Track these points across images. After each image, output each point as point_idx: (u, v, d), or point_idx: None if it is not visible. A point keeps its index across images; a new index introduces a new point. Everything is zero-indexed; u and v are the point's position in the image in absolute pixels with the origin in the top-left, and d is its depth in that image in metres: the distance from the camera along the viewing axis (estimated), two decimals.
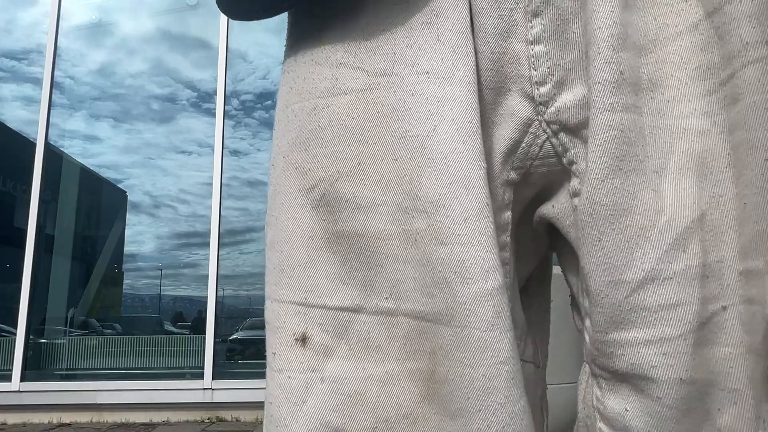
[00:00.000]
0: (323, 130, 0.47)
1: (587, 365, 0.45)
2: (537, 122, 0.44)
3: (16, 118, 5.40)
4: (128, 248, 5.49)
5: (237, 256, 4.92)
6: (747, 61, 0.38)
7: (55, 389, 4.24)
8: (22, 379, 4.23)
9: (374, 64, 0.45)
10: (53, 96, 4.70)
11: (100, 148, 5.45)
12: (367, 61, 0.46)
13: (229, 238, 4.60)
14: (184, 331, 5.40)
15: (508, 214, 0.47)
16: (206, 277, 4.33)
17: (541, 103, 0.44)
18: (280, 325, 0.47)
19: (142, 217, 5.51)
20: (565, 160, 0.44)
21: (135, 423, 4.07)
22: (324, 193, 0.46)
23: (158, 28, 5.46)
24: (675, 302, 0.39)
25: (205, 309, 4.31)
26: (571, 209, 0.45)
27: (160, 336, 5.23)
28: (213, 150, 4.57)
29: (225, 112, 4.62)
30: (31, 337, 4.42)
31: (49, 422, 4.08)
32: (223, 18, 4.63)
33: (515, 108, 0.45)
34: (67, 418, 4.11)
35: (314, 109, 0.47)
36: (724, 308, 0.39)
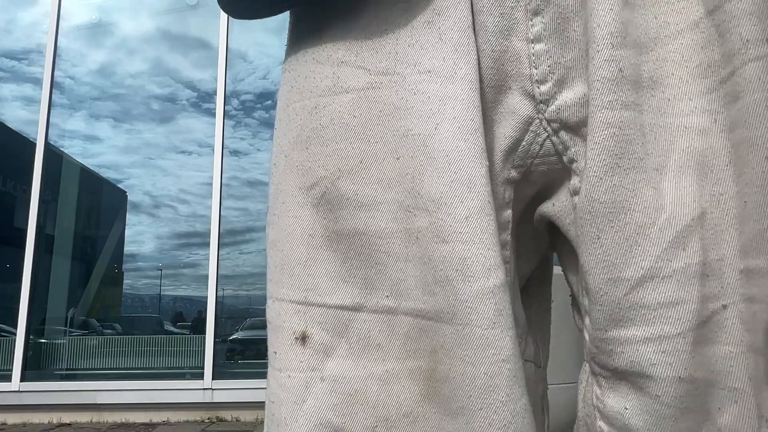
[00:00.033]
0: (324, 129, 0.47)
1: (587, 364, 0.45)
2: (537, 120, 0.44)
3: (16, 118, 5.40)
4: (128, 248, 5.50)
5: (237, 256, 4.93)
6: (747, 58, 0.38)
7: (55, 389, 4.24)
8: (22, 379, 4.22)
9: (376, 63, 0.46)
10: (53, 96, 4.70)
11: (100, 148, 5.45)
12: (368, 60, 0.46)
13: (229, 238, 4.61)
14: (184, 331, 5.40)
15: (508, 213, 0.47)
16: (206, 277, 4.33)
17: (541, 102, 0.44)
18: (281, 324, 0.47)
19: (142, 217, 5.52)
20: (565, 159, 0.44)
21: (135, 423, 4.07)
22: (325, 192, 0.46)
23: (158, 28, 5.46)
24: (674, 300, 0.39)
25: (205, 309, 4.31)
26: (571, 207, 0.45)
27: (160, 336, 5.23)
28: (213, 150, 4.57)
29: (225, 112, 4.62)
30: (31, 337, 4.42)
31: (49, 422, 4.08)
32: (223, 18, 4.63)
33: (516, 106, 0.45)
34: (67, 418, 4.10)
35: (315, 107, 0.47)
36: (725, 307, 0.39)
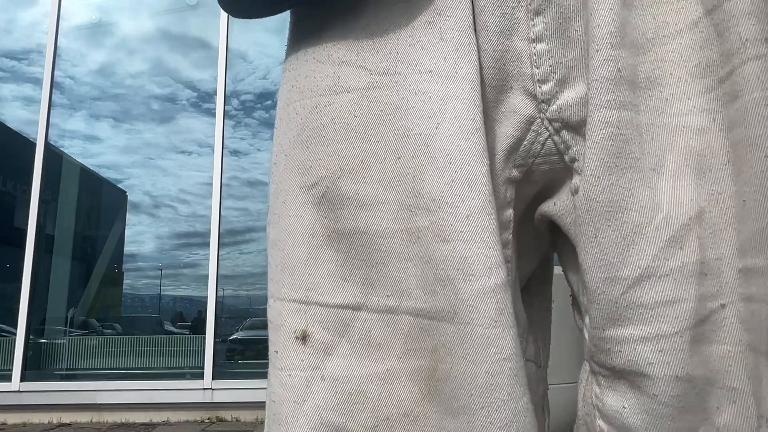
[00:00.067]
0: (325, 128, 0.47)
1: (587, 363, 0.45)
2: (539, 120, 0.44)
3: (16, 118, 5.40)
4: (128, 248, 5.49)
5: (237, 256, 4.92)
6: (746, 58, 0.38)
7: (55, 389, 4.24)
8: (22, 379, 4.22)
9: (377, 63, 0.46)
10: (53, 96, 4.70)
11: (100, 148, 5.45)
12: (369, 60, 0.46)
13: (229, 238, 4.60)
14: (184, 331, 5.40)
15: (510, 212, 0.47)
16: (206, 277, 4.33)
17: (543, 101, 0.44)
18: (282, 323, 0.47)
19: (142, 217, 5.51)
20: (567, 158, 0.45)
21: (135, 423, 4.07)
22: (326, 191, 0.46)
23: (158, 28, 5.46)
24: (671, 299, 0.39)
25: (205, 309, 4.30)
26: (572, 207, 0.45)
27: (160, 336, 5.22)
28: (213, 150, 4.57)
29: (225, 112, 4.62)
30: (31, 337, 4.42)
31: (49, 422, 4.08)
32: (223, 18, 4.63)
33: (517, 106, 0.45)
34: (67, 418, 4.10)
35: (316, 107, 0.47)
36: (723, 306, 0.39)
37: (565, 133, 0.44)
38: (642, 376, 0.40)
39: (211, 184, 4.51)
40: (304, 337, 0.46)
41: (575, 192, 0.44)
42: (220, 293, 4.35)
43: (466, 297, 0.41)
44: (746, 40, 0.38)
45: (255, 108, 5.33)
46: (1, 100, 5.45)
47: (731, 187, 0.39)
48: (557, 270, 0.56)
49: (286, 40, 0.53)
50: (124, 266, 5.47)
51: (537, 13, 0.44)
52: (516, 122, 0.45)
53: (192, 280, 5.21)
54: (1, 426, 4.01)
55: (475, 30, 0.44)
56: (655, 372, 0.39)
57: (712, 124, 0.40)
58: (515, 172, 0.46)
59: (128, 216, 5.46)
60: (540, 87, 0.44)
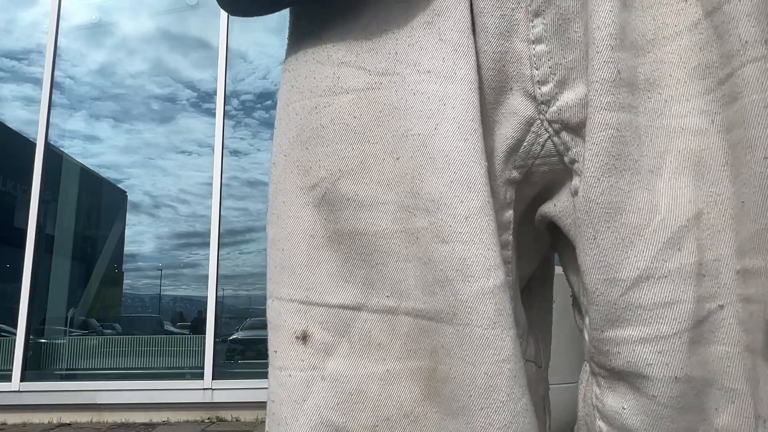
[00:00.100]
0: (324, 129, 0.47)
1: (587, 364, 0.45)
2: (539, 121, 0.44)
3: (16, 118, 5.40)
4: (128, 248, 5.50)
5: (237, 256, 4.93)
6: (746, 59, 0.38)
7: (55, 389, 4.24)
8: (22, 379, 4.22)
9: (376, 63, 0.46)
10: (53, 96, 4.70)
11: (100, 148, 5.45)
12: (368, 60, 0.46)
13: (229, 238, 4.60)
14: (184, 331, 5.40)
15: (510, 213, 0.47)
16: (206, 277, 4.33)
17: (542, 102, 0.44)
18: (281, 323, 0.47)
19: (142, 217, 5.51)
20: (566, 159, 0.45)
21: (135, 423, 4.07)
22: (325, 192, 0.46)
23: (158, 28, 5.46)
24: (670, 300, 0.39)
25: (205, 309, 4.31)
26: (572, 208, 0.45)
27: (160, 336, 5.22)
28: (213, 150, 4.57)
29: (225, 112, 4.62)
30: (31, 337, 4.42)
31: (49, 422, 4.08)
32: (223, 18, 4.63)
33: (517, 107, 0.45)
34: (67, 418, 4.10)
35: (315, 107, 0.47)
36: (722, 307, 0.39)
37: (564, 135, 0.44)
38: (641, 377, 0.40)
39: (211, 184, 4.51)
40: (304, 338, 0.46)
41: (575, 193, 0.44)
42: (220, 293, 4.35)
43: (464, 298, 0.41)
44: (746, 42, 0.38)
45: (255, 108, 5.33)
46: (1, 100, 5.45)
47: (730, 188, 0.39)
48: (558, 270, 0.56)
49: (286, 40, 0.53)
50: (124, 266, 5.47)
51: (536, 15, 0.44)
52: (516, 123, 0.45)
53: (192, 280, 5.21)
54: (1, 426, 4.01)
55: (474, 31, 0.44)
56: (654, 373, 0.39)
57: (711, 125, 0.40)
58: (515, 173, 0.46)
59: (128, 216, 5.46)
60: (539, 88, 0.44)
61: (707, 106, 0.40)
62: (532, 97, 0.44)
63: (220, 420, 4.06)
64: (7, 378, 4.22)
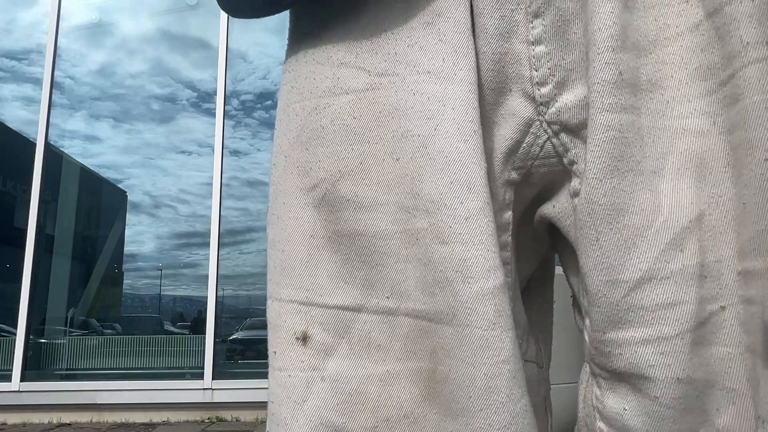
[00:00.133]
0: (324, 130, 0.47)
1: (588, 365, 0.45)
2: (538, 122, 0.44)
3: (16, 118, 5.40)
4: (128, 248, 5.50)
5: (237, 256, 4.93)
6: (747, 61, 0.38)
7: (55, 389, 4.24)
8: (22, 379, 4.22)
9: (375, 64, 0.46)
10: (53, 96, 4.70)
11: (100, 148, 5.45)
12: (368, 61, 0.46)
13: (229, 238, 4.60)
14: (184, 331, 5.40)
15: (509, 214, 0.47)
16: (206, 277, 4.33)
17: (542, 104, 0.44)
18: (281, 324, 0.47)
19: (142, 217, 5.51)
20: (565, 161, 0.44)
21: (135, 423, 4.07)
22: (325, 193, 0.46)
23: (158, 28, 5.46)
24: (672, 302, 0.39)
25: (205, 309, 4.31)
26: (571, 209, 0.45)
27: (160, 336, 5.22)
28: (213, 150, 4.57)
29: (225, 112, 4.62)
30: (31, 337, 4.42)
31: (49, 422, 4.08)
32: (223, 18, 4.63)
33: (516, 108, 0.45)
34: (67, 418, 4.10)
35: (315, 108, 0.47)
36: (723, 308, 0.39)
37: (563, 136, 0.44)
38: (643, 378, 0.40)
39: (211, 184, 4.51)
40: (304, 338, 0.46)
41: (574, 194, 0.44)
42: (220, 293, 4.35)
43: (464, 299, 0.41)
44: (747, 43, 0.38)
45: (255, 108, 5.33)
46: (1, 100, 5.45)
47: (731, 189, 0.39)
48: (558, 270, 0.56)
49: (286, 41, 0.53)
50: (124, 266, 5.47)
51: (536, 16, 0.43)
52: (515, 125, 0.45)
53: (192, 280, 5.21)
54: (1, 426, 4.01)
55: (473, 32, 0.44)
56: (656, 374, 0.39)
57: (713, 126, 0.40)
58: (514, 175, 0.46)
59: (128, 216, 5.46)
60: (539, 89, 0.44)
61: (709, 108, 0.40)
62: (532, 99, 0.44)
63: (220, 420, 4.06)
64: (7, 378, 4.22)
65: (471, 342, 0.40)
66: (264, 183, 4.98)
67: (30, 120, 4.78)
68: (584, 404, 0.46)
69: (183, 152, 5.31)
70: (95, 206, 5.74)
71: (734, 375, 0.39)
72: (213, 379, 4.17)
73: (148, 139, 5.39)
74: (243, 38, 5.14)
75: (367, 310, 0.45)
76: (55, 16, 4.80)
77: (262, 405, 3.86)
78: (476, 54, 0.44)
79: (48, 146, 4.63)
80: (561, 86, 0.44)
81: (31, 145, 4.57)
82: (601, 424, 0.43)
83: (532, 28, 0.44)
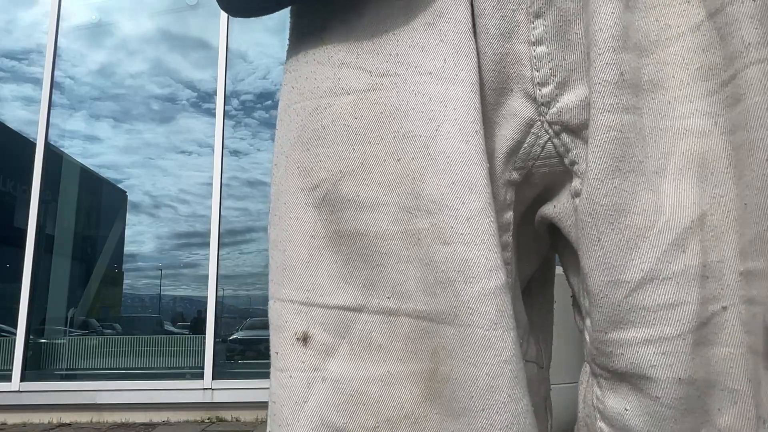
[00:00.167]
0: (325, 130, 0.47)
1: (588, 365, 0.45)
2: (539, 123, 0.44)
3: (16, 118, 5.40)
4: (128, 248, 5.50)
5: (237, 256, 4.93)
6: (749, 61, 0.38)
7: (55, 389, 4.24)
8: (22, 379, 4.22)
9: (377, 64, 0.46)
10: (53, 96, 4.70)
11: (100, 148, 5.45)
12: (369, 61, 0.46)
13: (229, 238, 4.60)
14: (184, 331, 5.40)
15: (510, 214, 0.47)
16: (206, 277, 4.33)
17: (543, 104, 0.44)
18: (282, 324, 0.47)
19: (142, 217, 5.51)
20: (566, 161, 0.44)
21: (135, 423, 4.07)
22: (326, 193, 0.46)
23: (158, 28, 5.46)
24: (674, 302, 0.39)
25: (205, 309, 4.31)
26: (572, 209, 0.45)
27: (160, 336, 5.22)
28: (213, 150, 4.57)
29: (225, 112, 4.62)
30: (31, 337, 4.42)
31: (49, 422, 4.08)
32: (223, 18, 4.63)
33: (517, 108, 0.45)
34: (67, 418, 4.10)
35: (316, 108, 0.47)
36: (725, 308, 0.39)
37: (564, 136, 0.44)
38: (644, 378, 0.40)
39: (211, 184, 4.51)
40: (305, 339, 0.46)
41: (575, 195, 0.44)
42: (220, 293, 4.35)
43: (466, 299, 0.41)
44: (749, 44, 0.38)
45: (255, 108, 5.33)
46: (1, 100, 5.45)
47: (733, 190, 0.39)
48: (558, 270, 0.56)
49: (287, 41, 0.53)
50: (124, 266, 5.47)
51: (537, 16, 0.43)
52: (516, 125, 0.45)
53: (192, 280, 5.21)
54: (1, 426, 4.01)
55: (474, 33, 0.44)
56: (657, 374, 0.39)
57: (714, 127, 0.40)
58: (515, 175, 0.46)
59: (128, 216, 5.46)
60: (540, 90, 0.44)
61: (710, 108, 0.40)
62: (533, 99, 0.44)
63: (220, 420, 4.06)
64: (7, 378, 4.22)
65: (473, 342, 0.40)
66: (264, 183, 4.98)
67: (30, 120, 4.78)
68: (584, 404, 0.46)
69: (183, 152, 5.31)
70: (95, 206, 5.74)
71: (736, 375, 0.39)
72: (213, 379, 4.17)
73: (148, 139, 5.39)
74: (243, 38, 5.14)
75: (368, 311, 0.45)
76: (55, 16, 4.80)
77: (262, 405, 3.86)
78: (477, 54, 0.44)
79: (48, 146, 4.63)
80: (562, 86, 0.44)
81: (31, 145, 4.57)
82: (602, 425, 0.43)
83: (533, 28, 0.44)
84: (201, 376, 4.20)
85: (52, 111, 4.65)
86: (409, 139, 0.44)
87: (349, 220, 0.45)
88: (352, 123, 0.45)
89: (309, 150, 0.47)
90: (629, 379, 0.41)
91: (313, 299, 0.46)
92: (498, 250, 0.42)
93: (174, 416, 4.12)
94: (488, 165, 0.43)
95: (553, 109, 0.44)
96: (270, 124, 5.18)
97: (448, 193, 0.42)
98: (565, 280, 0.51)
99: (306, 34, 0.50)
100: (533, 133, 0.45)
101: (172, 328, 5.55)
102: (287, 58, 0.52)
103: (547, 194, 0.48)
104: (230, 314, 5.05)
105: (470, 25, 0.44)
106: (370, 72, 0.46)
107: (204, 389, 4.16)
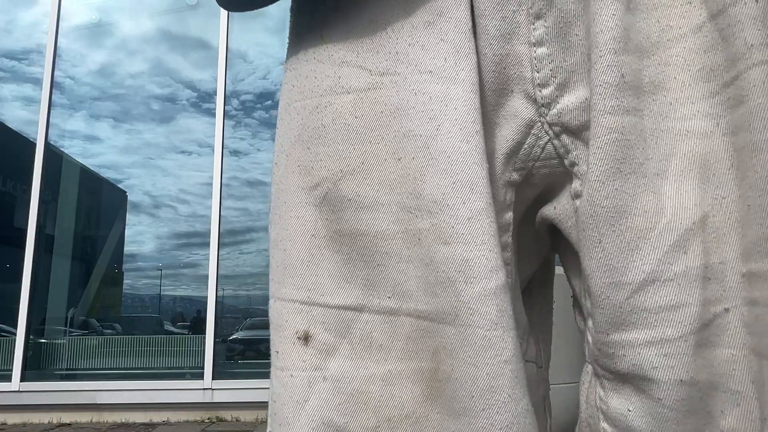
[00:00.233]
0: (326, 129, 0.47)
1: (590, 365, 0.45)
2: (539, 124, 0.44)
3: (16, 118, 5.40)
4: (128, 248, 5.50)
5: (237, 256, 4.93)
6: (752, 63, 0.38)
7: (55, 389, 4.24)
8: (22, 379, 4.22)
9: (377, 63, 0.45)
10: (53, 96, 4.70)
11: (100, 148, 5.45)
12: (369, 60, 0.46)
13: (229, 238, 4.61)
14: (184, 331, 5.40)
15: (509, 215, 0.47)
16: (206, 277, 4.33)
17: (543, 105, 0.44)
18: (283, 324, 0.47)
19: (142, 217, 5.51)
20: (566, 162, 0.44)
21: (135, 423, 4.07)
22: (327, 192, 0.46)
23: (158, 28, 5.46)
24: (675, 304, 0.39)
25: (205, 309, 4.31)
26: (572, 210, 0.45)
27: (160, 336, 5.23)
28: (213, 150, 4.57)
29: (225, 112, 4.62)
30: (31, 337, 4.42)
31: (49, 422, 4.08)
32: (223, 18, 4.63)
33: (517, 109, 0.45)
34: (67, 418, 4.10)
35: (317, 107, 0.47)
36: (727, 310, 0.39)
37: (564, 137, 0.44)
38: (647, 380, 0.40)
39: (211, 184, 4.51)
40: (305, 338, 0.46)
41: (575, 196, 0.44)
42: (220, 293, 4.35)
43: (467, 299, 0.41)
44: (751, 45, 0.38)
45: (255, 108, 5.33)
46: (1, 100, 5.45)
47: (735, 191, 0.39)
48: (558, 270, 0.56)
49: (287, 40, 0.53)
50: (124, 266, 5.47)
51: (538, 17, 0.43)
52: (516, 126, 0.45)
53: (192, 280, 5.21)
54: (1, 426, 4.01)
55: (474, 33, 0.44)
56: (659, 376, 0.39)
57: (716, 128, 0.40)
58: (515, 176, 0.46)
59: (128, 216, 5.46)
60: (540, 91, 0.44)
61: (712, 109, 0.40)
62: (533, 100, 0.44)
63: (220, 420, 4.06)
64: (7, 378, 4.22)
65: (473, 342, 0.40)
66: (264, 183, 4.98)
67: (30, 120, 4.78)
68: (587, 405, 0.46)
69: (183, 152, 5.31)
70: (95, 206, 5.74)
71: (738, 377, 0.39)
72: (213, 379, 4.17)
73: (148, 139, 5.39)
74: (243, 38, 5.14)
75: (368, 310, 0.45)
76: (55, 16, 4.80)
77: (262, 405, 3.86)
78: (477, 55, 0.44)
79: (48, 146, 4.63)
80: (562, 88, 0.44)
81: (31, 145, 4.57)
82: (604, 425, 0.43)
83: (534, 29, 0.44)
84: (201, 376, 4.20)
85: (52, 111, 4.66)
86: (410, 139, 0.43)
87: (350, 220, 0.45)
88: (353, 122, 0.45)
89: (309, 149, 0.47)
90: (632, 380, 0.41)
91: (314, 298, 0.46)
92: (498, 251, 0.42)
93: (174, 416, 4.12)
94: (488, 165, 0.43)
95: (554, 111, 0.44)
96: (270, 124, 5.18)
97: (449, 193, 0.42)
98: (566, 281, 0.51)
99: (306, 33, 0.50)
100: (533, 134, 0.45)
101: (172, 328, 5.55)
102: (287, 57, 0.52)
103: (548, 195, 0.48)
104: (230, 314, 5.05)
105: (470, 26, 0.44)
106: (370, 71, 0.46)
107: (204, 389, 4.16)
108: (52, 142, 4.77)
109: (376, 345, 0.44)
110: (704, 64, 0.41)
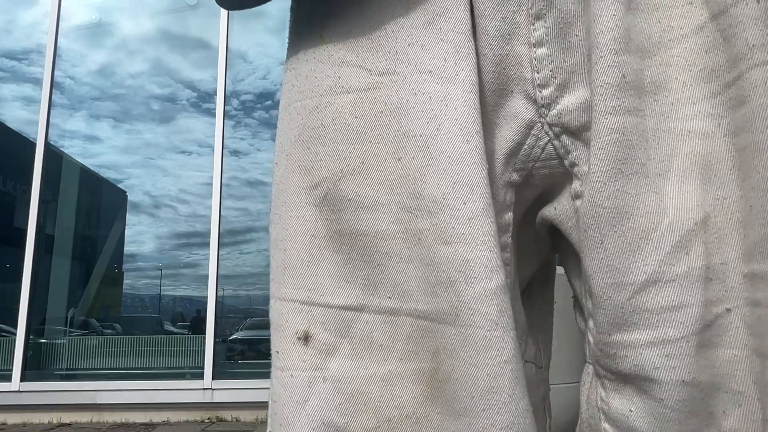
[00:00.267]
0: (326, 129, 0.47)
1: (591, 366, 0.45)
2: (539, 124, 0.44)
3: (16, 118, 5.40)
4: (128, 248, 5.50)
5: (237, 256, 4.93)
6: (753, 63, 0.38)
7: (55, 389, 4.24)
8: (22, 379, 4.23)
9: (376, 63, 0.45)
10: (53, 96, 4.70)
11: (100, 148, 5.45)
12: (369, 60, 0.46)
13: (229, 238, 4.61)
14: (184, 331, 5.40)
15: (509, 215, 0.47)
16: (206, 277, 4.33)
17: (543, 106, 0.44)
18: (283, 324, 0.47)
19: (142, 217, 5.52)
20: (567, 163, 0.44)
21: (135, 423, 4.07)
22: (327, 192, 0.46)
23: (158, 28, 5.46)
24: (677, 304, 0.39)
25: (205, 309, 4.31)
26: (573, 211, 0.45)
27: (160, 336, 5.23)
28: (213, 150, 4.57)
29: (225, 112, 4.62)
30: (31, 337, 4.42)
31: (49, 422, 4.08)
32: (223, 18, 4.64)
33: (517, 110, 0.45)
34: (67, 418, 4.10)
35: (317, 107, 0.47)
36: (729, 311, 0.39)
37: (564, 138, 0.44)
38: (648, 380, 0.39)
39: (211, 184, 4.51)
40: (306, 338, 0.46)
41: (576, 196, 0.44)
42: (220, 293, 4.35)
43: (467, 299, 0.41)
44: (753, 45, 0.38)
45: (255, 108, 5.33)
46: (1, 100, 5.45)
47: (737, 192, 0.39)
48: (558, 270, 0.56)
49: (287, 39, 0.53)
50: (124, 266, 5.47)
51: (538, 18, 0.43)
52: (516, 126, 0.45)
53: (192, 280, 5.21)
54: (1, 426, 4.01)
55: (474, 34, 0.44)
56: (661, 376, 0.39)
57: (718, 129, 0.40)
58: (515, 176, 0.46)
59: (128, 216, 5.47)
60: (540, 91, 0.44)
61: (714, 110, 0.40)
62: (533, 100, 0.44)
63: (220, 420, 4.07)
64: (7, 378, 4.22)
65: (474, 342, 0.40)
66: (264, 183, 4.98)
67: (30, 120, 4.78)
68: (588, 405, 0.46)
69: (183, 152, 5.31)
70: (95, 206, 5.74)
71: (740, 377, 0.38)
72: (213, 379, 4.18)
73: (148, 139, 5.39)
74: (243, 38, 5.14)
75: (368, 310, 0.44)
76: (55, 16, 4.80)
77: (262, 405, 3.86)
78: (477, 55, 0.44)
79: (48, 146, 4.63)
80: (562, 88, 0.43)
81: (31, 145, 4.57)
82: (606, 425, 0.43)
83: (534, 30, 0.44)
84: (201, 376, 4.20)
85: (52, 111, 4.66)
86: (410, 139, 0.43)
87: (350, 220, 0.45)
88: (353, 122, 0.45)
89: (309, 149, 0.47)
90: (633, 380, 0.41)
91: (314, 298, 0.46)
92: (498, 251, 0.42)
93: (174, 416, 4.12)
94: (488, 166, 0.43)
95: (554, 111, 0.44)
96: (270, 124, 5.18)
97: (450, 193, 0.42)
98: (566, 281, 0.51)
99: (306, 33, 0.50)
100: (533, 135, 0.45)
101: (172, 328, 5.55)
102: (287, 57, 0.52)
103: (548, 196, 0.48)
104: (230, 314, 5.05)
105: (470, 26, 0.44)
106: (370, 71, 0.46)
107: (204, 389, 4.16)
108: (52, 142, 4.77)
109: (376, 345, 0.44)
110: (706, 65, 0.41)
